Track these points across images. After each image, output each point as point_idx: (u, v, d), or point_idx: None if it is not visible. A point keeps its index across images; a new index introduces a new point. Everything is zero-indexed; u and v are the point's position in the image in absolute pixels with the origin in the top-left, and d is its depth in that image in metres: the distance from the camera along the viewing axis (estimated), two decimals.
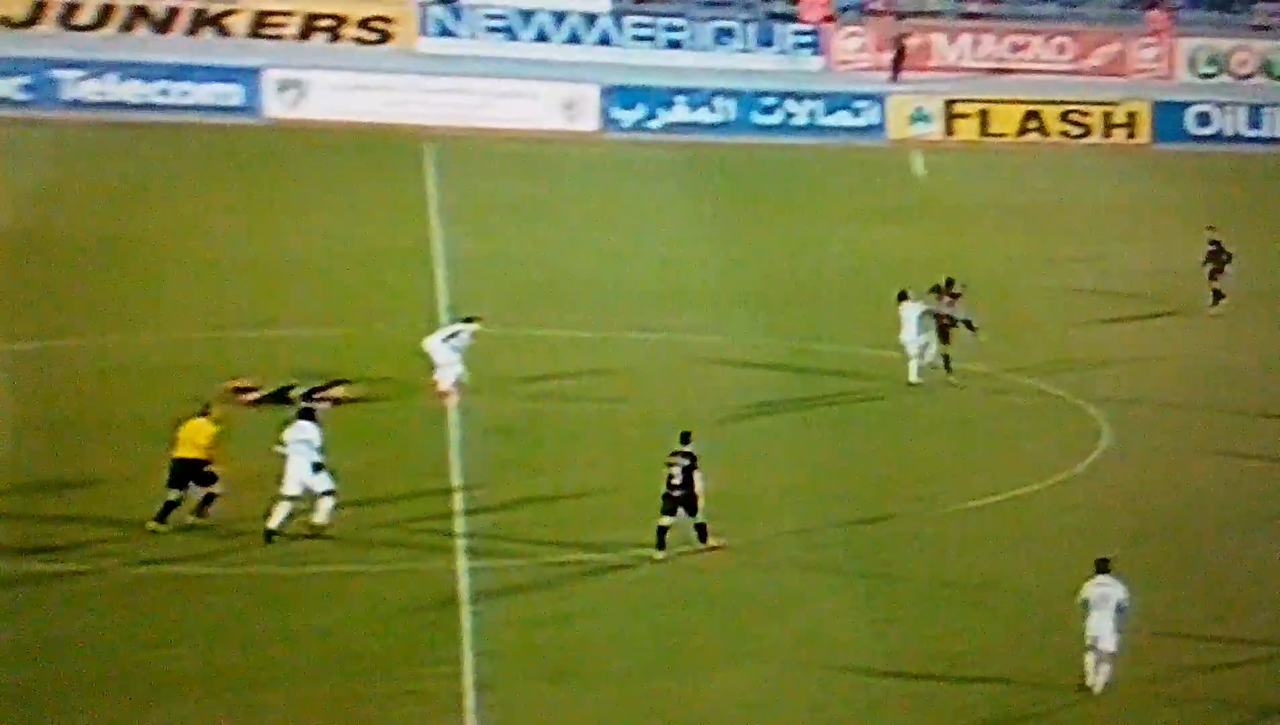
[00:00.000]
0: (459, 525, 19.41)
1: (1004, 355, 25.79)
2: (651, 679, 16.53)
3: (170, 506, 18.64)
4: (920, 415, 23.75)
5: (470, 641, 16.87)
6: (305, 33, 43.77)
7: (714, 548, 19.08)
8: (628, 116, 40.03)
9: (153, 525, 18.66)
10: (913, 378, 24.59)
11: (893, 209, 34.94)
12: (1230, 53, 45.47)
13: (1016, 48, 44.98)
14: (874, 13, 46.25)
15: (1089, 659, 16.80)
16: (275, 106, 38.80)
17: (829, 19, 45.83)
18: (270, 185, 34.23)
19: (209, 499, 18.84)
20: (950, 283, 25.22)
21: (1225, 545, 19.84)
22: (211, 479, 18.69)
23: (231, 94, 38.77)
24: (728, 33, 45.10)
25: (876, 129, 40.45)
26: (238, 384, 22.43)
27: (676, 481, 18.91)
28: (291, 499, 18.68)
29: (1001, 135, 40.31)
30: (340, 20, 43.92)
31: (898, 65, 43.77)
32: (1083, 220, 34.56)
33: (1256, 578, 18.88)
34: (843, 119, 40.47)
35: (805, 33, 45.25)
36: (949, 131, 40.43)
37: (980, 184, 37.53)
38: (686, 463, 18.97)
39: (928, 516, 20.31)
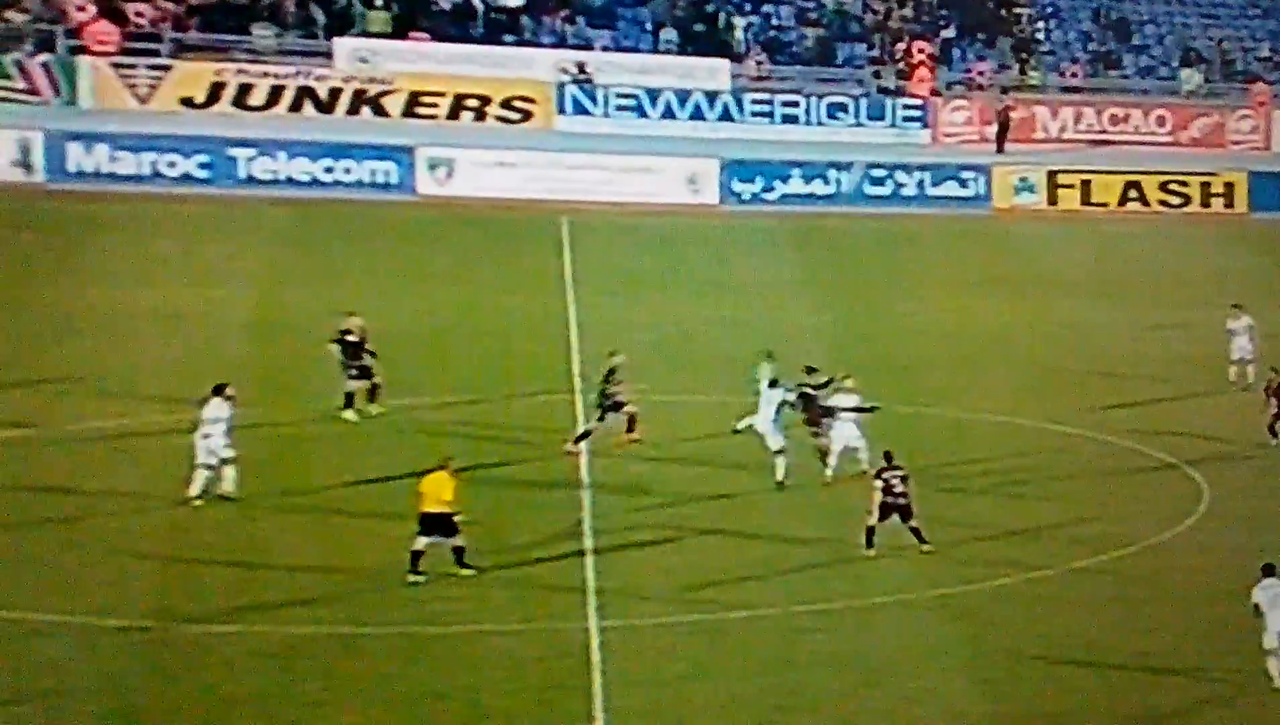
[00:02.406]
0: (590, 585, 19.41)
1: (1104, 417, 25.17)
2: None
3: (418, 555, 18.70)
4: (1026, 477, 23.16)
5: (600, 700, 16.81)
6: (454, 112, 44.32)
7: (929, 550, 20.29)
8: (746, 189, 39.95)
9: (412, 578, 18.65)
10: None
11: (997, 278, 34.40)
12: None
13: (1116, 120, 44.16)
14: (978, 87, 45.80)
15: (1272, 662, 16.99)
16: (426, 183, 39.24)
17: (935, 93, 45.47)
18: (421, 259, 34.55)
19: (460, 550, 18.88)
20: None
21: None
22: (455, 530, 18.76)
23: (388, 171, 39.49)
24: (840, 107, 44.93)
25: (982, 199, 39.89)
26: None
27: (899, 489, 20.30)
28: (779, 452, 21.60)
29: (1103, 205, 39.56)
30: (486, 100, 44.38)
31: (1002, 137, 43.18)
32: (1180, 287, 33.73)
33: None
34: (949, 189, 39.97)
35: (913, 106, 44.90)
36: (1052, 201, 39.74)
37: (1082, 252, 36.76)
38: (903, 472, 20.26)
39: (1032, 578, 19.79)
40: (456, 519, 18.79)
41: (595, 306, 31.08)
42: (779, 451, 21.89)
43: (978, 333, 30.43)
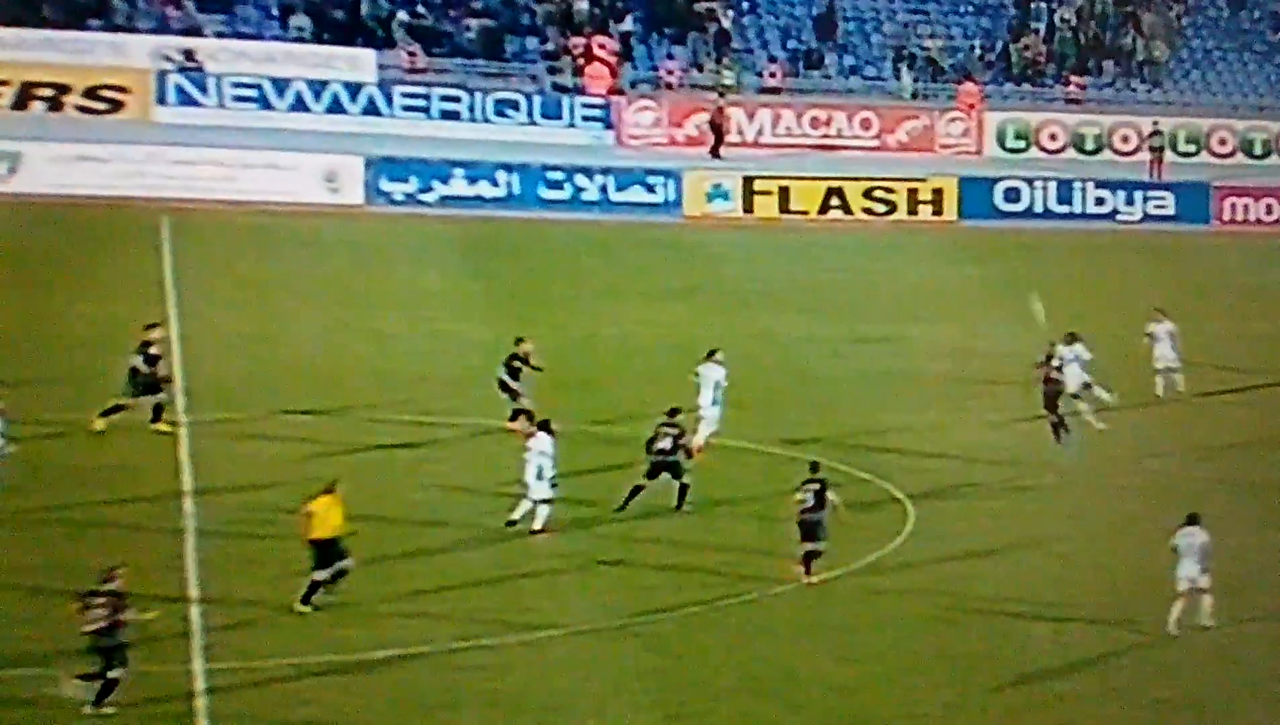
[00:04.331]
0: (196, 630, 19.27)
1: (803, 434, 26.62)
2: None
3: (318, 586, 19.96)
4: (717, 496, 24.26)
5: None
6: (21, 102, 43.43)
7: (811, 582, 21.32)
8: (398, 189, 40.45)
9: (300, 608, 19.73)
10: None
11: (689, 288, 35.87)
12: (1039, 127, 48.32)
13: (818, 123, 47.04)
14: (667, 86, 48.24)
15: (1178, 605, 20.20)
16: None
17: (617, 91, 47.57)
18: None
19: (341, 573, 20.05)
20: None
21: (1034, 632, 20.69)
22: (344, 555, 19.99)
23: None
24: (510, 104, 46.22)
25: (672, 205, 41.61)
26: None
27: (809, 506, 21.07)
28: (533, 500, 22.31)
29: (803, 213, 41.82)
30: (64, 89, 43.71)
31: (718, 142, 44.81)
32: (886, 299, 35.92)
33: (1065, 666, 19.74)
34: (636, 194, 41.56)
35: (595, 105, 46.72)
36: (748, 208, 41.84)
37: (780, 263, 38.74)
38: (817, 487, 21.35)
39: (727, 604, 20.76)
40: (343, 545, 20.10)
41: (204, 317, 30.74)
42: (544, 501, 22.63)
43: (667, 346, 31.68)
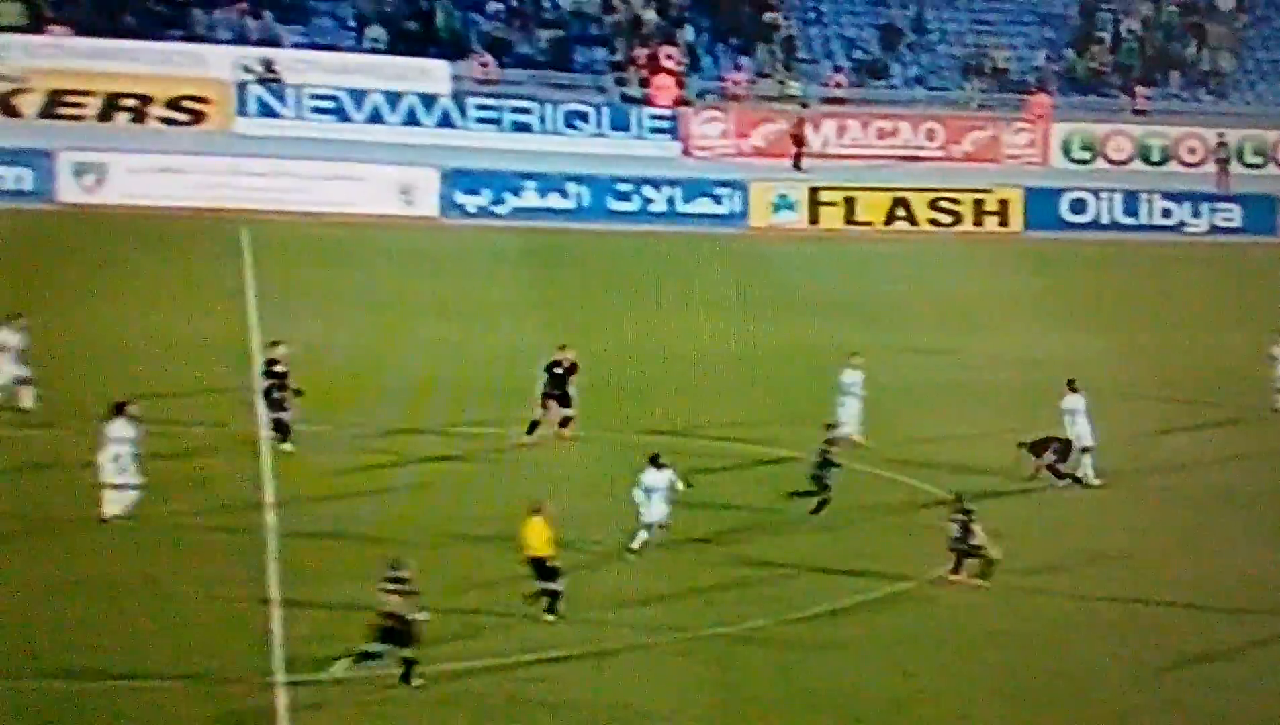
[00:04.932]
0: (277, 637, 19.63)
1: (866, 447, 26.67)
2: None
3: (556, 594, 20.68)
4: (779, 513, 24.34)
5: None
6: (106, 113, 44.31)
7: (979, 584, 22.15)
8: (471, 202, 40.93)
9: (545, 618, 20.53)
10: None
11: (751, 300, 36.01)
12: (1106, 138, 48.25)
13: (884, 134, 47.18)
14: (733, 97, 48.54)
15: None
16: (71, 191, 39.08)
17: (684, 102, 47.91)
18: (66, 273, 34.32)
19: (556, 595, 20.70)
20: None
21: (1094, 646, 20.73)
22: (555, 574, 20.72)
23: (22, 177, 38.96)
24: (580, 116, 46.70)
25: (738, 216, 41.87)
26: None
27: (956, 534, 22.08)
28: (649, 527, 22.71)
29: (868, 223, 41.97)
30: (147, 100, 44.52)
31: (799, 154, 44.96)
32: (948, 311, 35.92)
33: (1125, 680, 19.84)
34: (703, 206, 41.82)
35: (662, 117, 47.03)
36: (813, 220, 41.99)
37: (844, 274, 38.85)
38: (964, 517, 22.22)
39: (788, 619, 20.87)
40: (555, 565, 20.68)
41: (283, 328, 31.33)
42: (660, 524, 22.99)
43: (728, 357, 31.81)
